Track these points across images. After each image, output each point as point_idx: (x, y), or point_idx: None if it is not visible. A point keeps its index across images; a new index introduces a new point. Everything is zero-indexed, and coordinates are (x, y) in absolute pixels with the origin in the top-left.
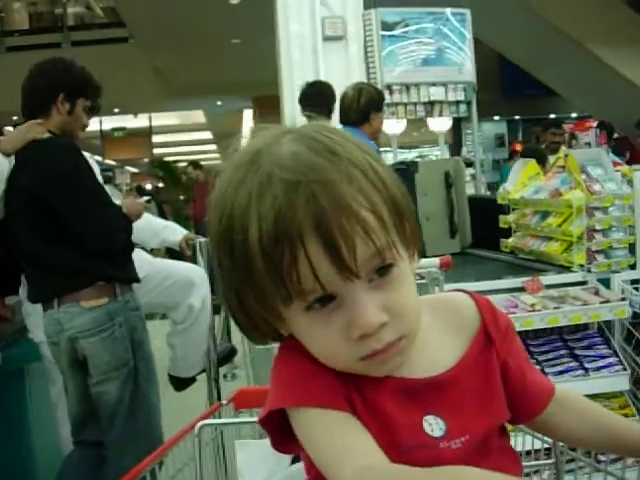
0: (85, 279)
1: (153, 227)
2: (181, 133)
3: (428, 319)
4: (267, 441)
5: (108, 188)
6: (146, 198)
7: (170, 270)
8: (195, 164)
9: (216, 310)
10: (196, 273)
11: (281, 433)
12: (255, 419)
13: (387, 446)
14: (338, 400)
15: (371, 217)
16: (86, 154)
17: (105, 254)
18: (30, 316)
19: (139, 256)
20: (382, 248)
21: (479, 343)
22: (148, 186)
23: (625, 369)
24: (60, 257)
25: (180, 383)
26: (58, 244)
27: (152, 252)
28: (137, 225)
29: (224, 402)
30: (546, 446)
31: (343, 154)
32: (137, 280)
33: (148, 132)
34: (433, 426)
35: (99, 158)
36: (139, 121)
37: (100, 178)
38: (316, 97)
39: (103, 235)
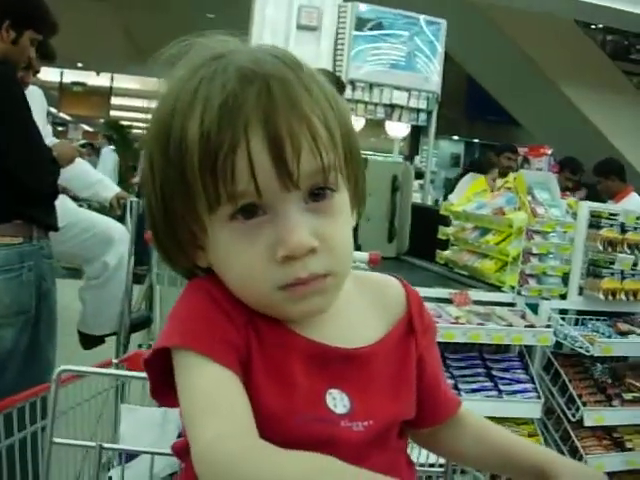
0: (3, 214)
1: (87, 178)
2: (141, 99)
3: (355, 291)
4: (153, 410)
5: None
6: (82, 142)
7: (91, 223)
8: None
9: (139, 280)
10: (117, 230)
11: (163, 381)
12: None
13: (284, 411)
14: (228, 356)
15: (323, 128)
16: (35, 91)
17: (26, 193)
18: None
19: (64, 203)
20: (328, 166)
21: (400, 329)
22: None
23: (539, 397)
24: None
25: (88, 341)
26: None
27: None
28: (71, 172)
29: (115, 360)
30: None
31: (305, 69)
32: (56, 228)
33: (108, 92)
34: (337, 401)
35: (54, 110)
36: (100, 79)
37: (43, 116)
38: None
39: (26, 173)
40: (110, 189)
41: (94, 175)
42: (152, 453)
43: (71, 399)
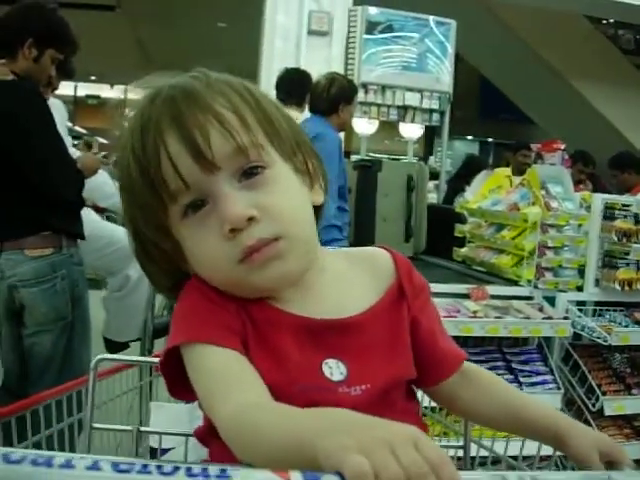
0: (32, 227)
1: (107, 188)
2: None
3: (344, 265)
4: (181, 406)
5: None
6: (104, 153)
7: (114, 236)
8: None
9: None
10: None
11: (178, 379)
12: None
13: (283, 383)
14: (229, 338)
15: (229, 113)
16: (57, 104)
17: (54, 204)
18: None
19: (88, 216)
20: (244, 145)
21: (391, 296)
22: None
23: (559, 388)
24: (8, 201)
25: (113, 346)
26: (8, 188)
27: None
28: (92, 182)
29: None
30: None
31: (217, 77)
32: (82, 236)
33: (122, 104)
34: (333, 370)
35: (69, 123)
36: (114, 92)
37: (64, 128)
38: (291, 84)
39: (53, 184)
40: None
41: (113, 186)
42: (187, 435)
43: (104, 394)
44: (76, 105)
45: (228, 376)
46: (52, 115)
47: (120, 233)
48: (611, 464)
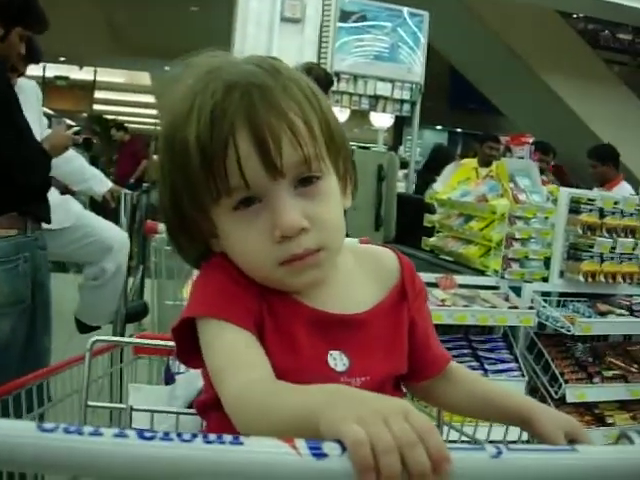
0: None
1: (83, 172)
2: (124, 93)
3: (351, 261)
4: (159, 387)
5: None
6: (76, 129)
7: (93, 229)
8: (119, 125)
9: (129, 271)
10: (117, 238)
11: (188, 347)
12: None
13: (292, 371)
14: (246, 320)
15: (301, 123)
16: (31, 85)
17: (19, 186)
18: None
19: (69, 205)
20: (309, 157)
21: (394, 295)
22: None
23: (523, 376)
24: None
25: (85, 327)
26: None
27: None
28: (68, 166)
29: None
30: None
31: (285, 73)
32: (48, 220)
33: (91, 86)
34: (337, 361)
35: None
36: (84, 73)
37: (37, 110)
38: None
39: (14, 166)
40: (104, 183)
41: (89, 170)
42: (178, 413)
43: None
44: (45, 86)
45: (240, 354)
46: (14, 95)
47: (99, 225)
48: (574, 443)
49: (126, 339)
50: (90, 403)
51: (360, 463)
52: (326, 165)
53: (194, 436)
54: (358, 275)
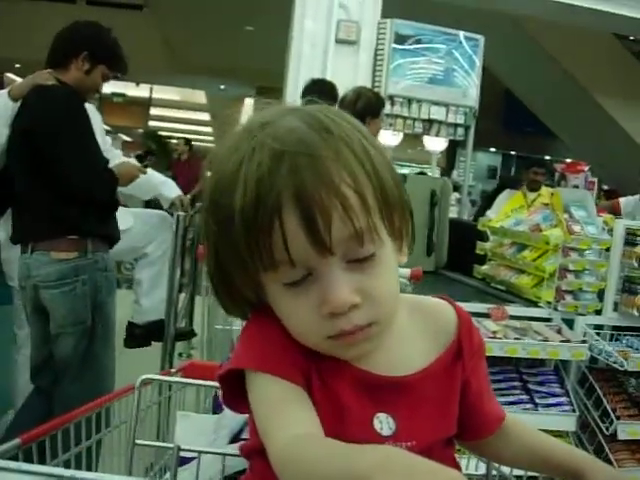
0: (60, 229)
1: (152, 181)
2: (180, 110)
3: (405, 318)
4: (207, 416)
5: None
6: (144, 163)
7: (142, 216)
8: (186, 140)
9: (181, 288)
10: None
11: (234, 392)
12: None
13: (336, 430)
14: (295, 374)
15: (353, 195)
16: (90, 108)
17: (83, 207)
18: (11, 263)
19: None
20: (361, 231)
21: (450, 354)
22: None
23: (574, 411)
24: (39, 202)
25: (134, 339)
26: (43, 187)
27: None
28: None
29: (173, 370)
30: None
31: (336, 132)
32: (114, 239)
33: (147, 103)
34: (383, 424)
35: None
36: (140, 90)
37: (101, 131)
38: (317, 94)
39: (81, 186)
40: (174, 190)
41: (158, 177)
42: (224, 454)
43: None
44: (101, 102)
45: (288, 408)
46: (87, 117)
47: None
48: None
49: (175, 379)
50: (138, 442)
51: None
52: (379, 235)
53: None
54: (411, 332)
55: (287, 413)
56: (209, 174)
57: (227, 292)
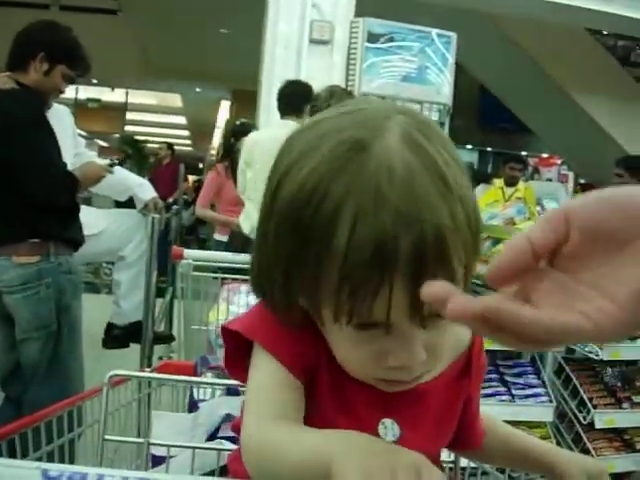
0: (20, 233)
1: (128, 182)
2: (156, 114)
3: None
4: (183, 415)
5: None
6: (109, 161)
7: (118, 217)
8: (169, 145)
9: (160, 293)
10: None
11: (235, 354)
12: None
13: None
14: (298, 369)
15: (461, 272)
16: (62, 110)
17: (44, 210)
18: None
19: (91, 212)
20: None
21: (458, 369)
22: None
23: (551, 401)
24: (2, 205)
25: (113, 339)
26: (2, 191)
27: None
28: (108, 181)
29: (147, 369)
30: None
31: (453, 185)
32: (78, 242)
33: (123, 107)
34: (388, 430)
35: None
36: (115, 95)
37: (71, 134)
38: (291, 96)
39: (42, 189)
40: (149, 192)
41: (135, 180)
42: (195, 448)
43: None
44: (77, 108)
45: (276, 400)
46: (46, 121)
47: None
48: None
49: (144, 374)
50: (107, 437)
51: None
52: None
53: None
54: None
55: (274, 405)
56: (288, 173)
57: (281, 300)
